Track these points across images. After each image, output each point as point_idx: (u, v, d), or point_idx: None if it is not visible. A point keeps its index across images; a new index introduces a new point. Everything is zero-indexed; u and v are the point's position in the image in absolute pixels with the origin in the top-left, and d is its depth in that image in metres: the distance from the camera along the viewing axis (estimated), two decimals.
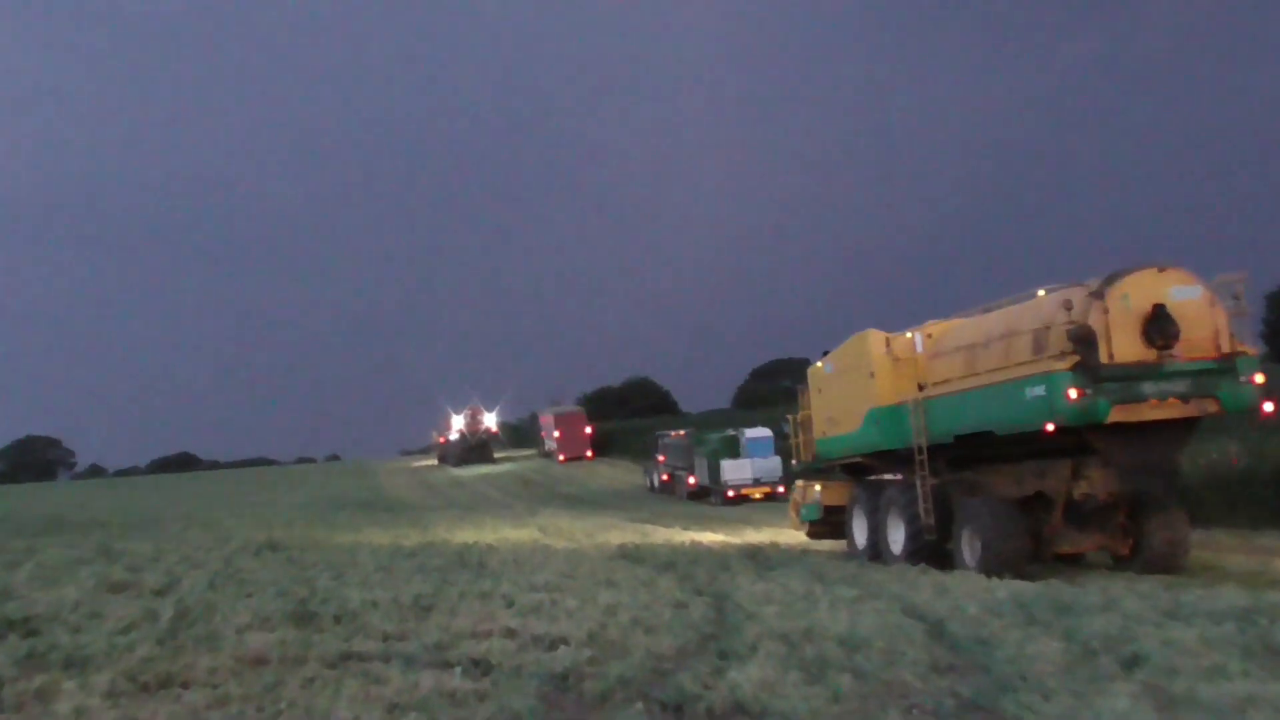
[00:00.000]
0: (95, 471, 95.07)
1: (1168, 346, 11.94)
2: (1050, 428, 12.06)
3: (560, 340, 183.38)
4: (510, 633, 7.77)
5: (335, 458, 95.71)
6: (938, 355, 14.87)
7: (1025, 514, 13.46)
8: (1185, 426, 12.56)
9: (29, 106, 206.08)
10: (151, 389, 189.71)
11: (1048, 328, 12.39)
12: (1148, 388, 11.92)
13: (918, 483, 14.54)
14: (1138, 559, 13.31)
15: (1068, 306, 12.08)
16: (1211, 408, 12.19)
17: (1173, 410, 12.04)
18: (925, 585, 11.21)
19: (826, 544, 18.07)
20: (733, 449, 35.17)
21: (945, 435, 14.16)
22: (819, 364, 17.73)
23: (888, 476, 16.40)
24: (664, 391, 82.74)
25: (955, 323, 15.23)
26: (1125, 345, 11.91)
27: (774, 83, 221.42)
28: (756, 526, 24.27)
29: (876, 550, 15.78)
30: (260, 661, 6.68)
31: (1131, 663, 6.58)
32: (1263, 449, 18.27)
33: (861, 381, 15.87)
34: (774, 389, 69.30)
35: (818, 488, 18.04)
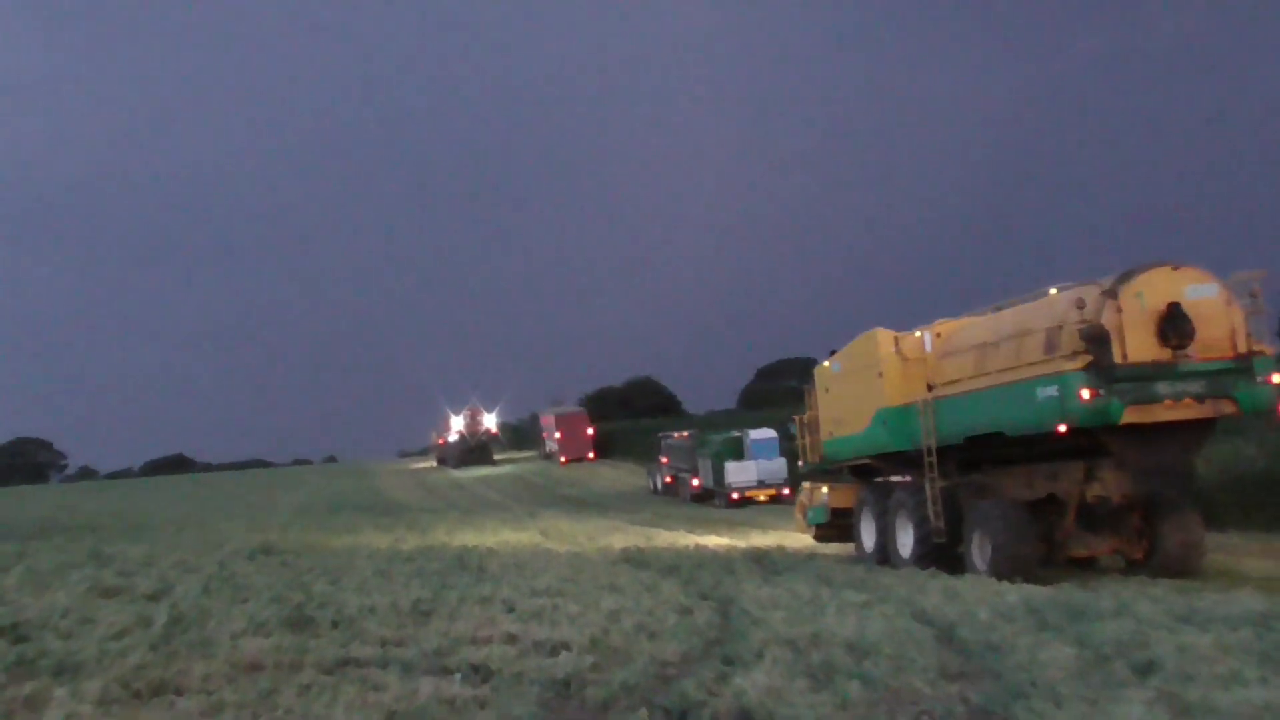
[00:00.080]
0: (87, 474, 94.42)
1: (1183, 346, 11.87)
2: (1062, 429, 12.00)
3: (561, 339, 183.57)
4: (511, 638, 7.76)
5: (332, 459, 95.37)
6: (947, 355, 14.79)
7: (1037, 517, 13.40)
8: (1201, 428, 12.50)
9: (15, 103, 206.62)
10: (144, 389, 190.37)
11: (1060, 327, 12.31)
12: (1162, 388, 11.86)
13: (927, 485, 14.46)
14: (1152, 563, 13.22)
15: (1080, 305, 12.00)
16: (1228, 409, 12.13)
17: (1188, 411, 11.98)
18: (935, 590, 11.15)
19: (834, 547, 17.99)
20: (736, 450, 35.11)
21: (955, 436, 14.09)
22: (826, 363, 17.67)
23: (896, 478, 16.31)
24: (667, 391, 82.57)
25: (965, 321, 15.17)
26: (1139, 345, 11.84)
27: (778, 77, 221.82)
28: (762, 529, 24.26)
29: (885, 554, 15.71)
30: (255, 668, 6.68)
31: (1145, 669, 6.49)
32: None
33: (869, 381, 15.80)
34: (780, 389, 69.05)
35: (825, 490, 17.97)
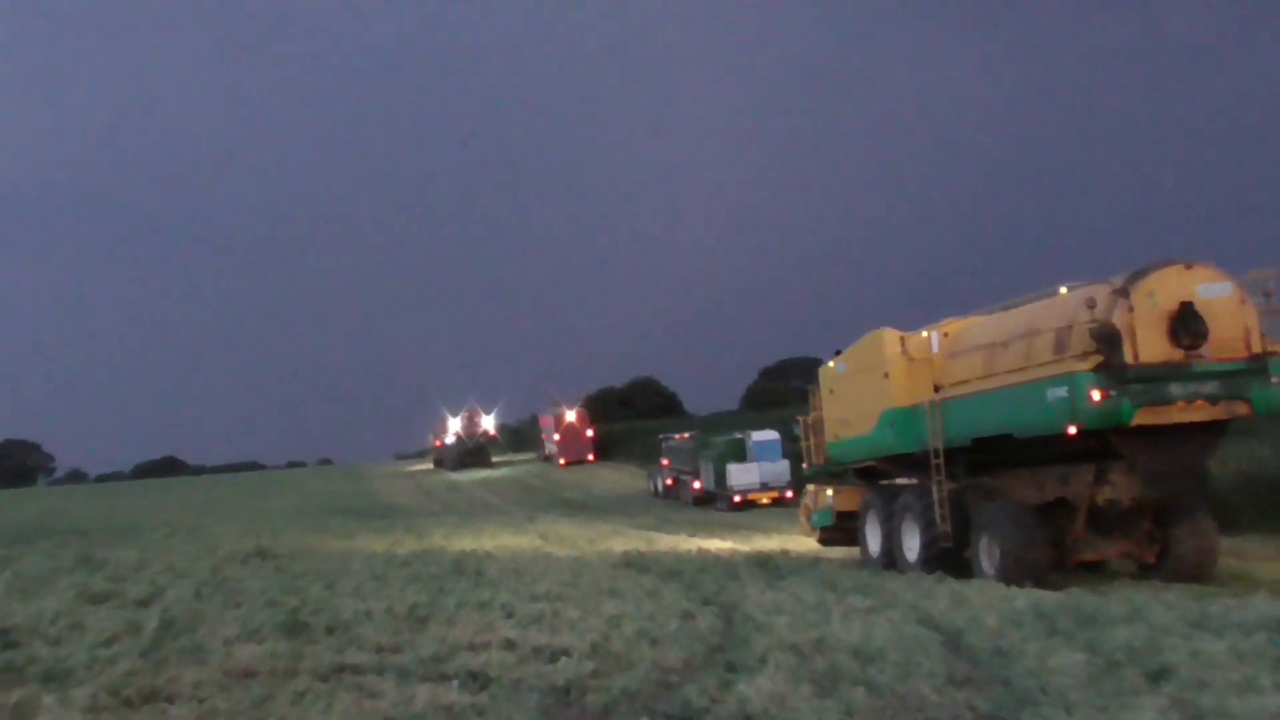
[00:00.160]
0: (76, 477, 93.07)
1: (1195, 346, 11.76)
2: (1072, 431, 11.90)
3: (561, 339, 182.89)
4: (509, 644, 7.76)
5: (327, 461, 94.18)
6: (955, 355, 14.70)
7: (1046, 520, 13.28)
8: (1214, 429, 12.39)
9: (2, 101, 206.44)
10: (134, 390, 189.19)
11: (1070, 326, 12.22)
12: (1175, 389, 11.76)
13: (934, 487, 14.35)
14: (1164, 567, 13.09)
15: (1091, 304, 11.90)
16: (1242, 410, 12.02)
17: (1201, 413, 11.87)
18: (942, 594, 11.12)
19: (839, 551, 17.91)
20: (738, 452, 34.99)
21: (963, 438, 14.00)
22: (831, 364, 17.59)
23: (902, 481, 16.25)
24: (669, 392, 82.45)
25: (973, 321, 15.08)
26: (1151, 345, 11.73)
27: (778, 76, 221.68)
28: (765, 533, 24.21)
29: (891, 558, 15.61)
30: (249, 674, 6.70)
31: (1158, 676, 6.44)
32: None
33: (875, 382, 15.71)
34: (784, 389, 69.03)
35: (830, 493, 17.88)
